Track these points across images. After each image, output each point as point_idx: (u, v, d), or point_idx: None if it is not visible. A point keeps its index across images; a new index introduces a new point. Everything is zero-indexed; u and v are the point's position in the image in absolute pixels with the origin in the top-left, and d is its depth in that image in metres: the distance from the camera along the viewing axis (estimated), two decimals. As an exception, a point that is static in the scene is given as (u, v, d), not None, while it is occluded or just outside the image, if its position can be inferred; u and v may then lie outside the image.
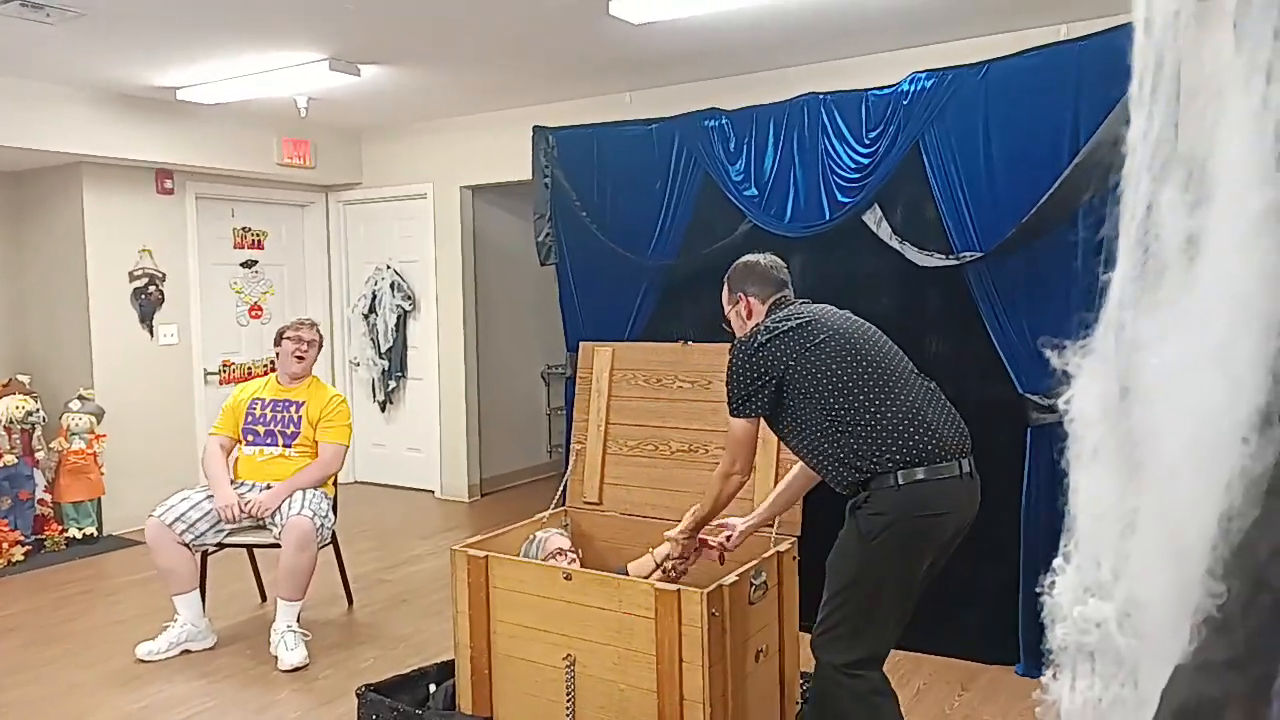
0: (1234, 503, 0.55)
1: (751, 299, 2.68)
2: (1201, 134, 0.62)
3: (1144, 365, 0.65)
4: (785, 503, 2.87)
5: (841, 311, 2.60)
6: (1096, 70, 3.16)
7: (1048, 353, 0.80)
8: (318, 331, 4.13)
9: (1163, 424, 0.61)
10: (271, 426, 3.99)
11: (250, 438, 3.99)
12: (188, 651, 3.79)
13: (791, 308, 2.59)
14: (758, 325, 2.55)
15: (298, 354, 4.03)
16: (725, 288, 2.74)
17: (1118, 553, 0.68)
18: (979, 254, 3.37)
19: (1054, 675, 0.76)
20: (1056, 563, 0.77)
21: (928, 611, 3.63)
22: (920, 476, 2.28)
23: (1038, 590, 0.79)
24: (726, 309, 2.75)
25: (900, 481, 2.28)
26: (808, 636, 2.82)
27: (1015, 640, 3.47)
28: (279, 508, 3.84)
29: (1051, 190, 3.19)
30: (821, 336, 2.45)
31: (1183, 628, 0.57)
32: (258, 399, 4.05)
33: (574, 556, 3.07)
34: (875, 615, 2.35)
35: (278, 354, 4.13)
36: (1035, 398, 3.35)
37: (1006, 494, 3.47)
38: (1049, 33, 3.88)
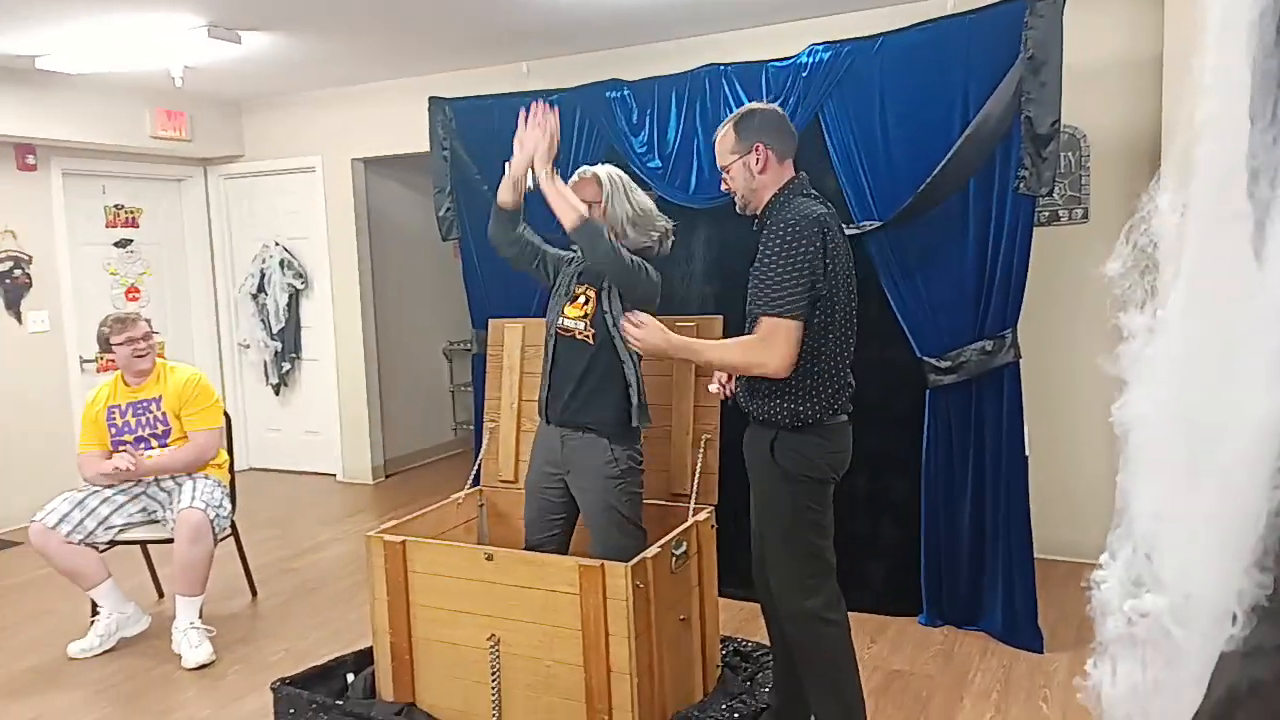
0: None
1: (771, 153, 2.37)
2: (1265, 154, 0.64)
3: (1202, 370, 0.69)
4: (726, 358, 2.43)
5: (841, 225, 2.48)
6: (984, 45, 3.28)
7: (1099, 359, 0.83)
8: (144, 322, 3.83)
9: (1219, 425, 0.65)
10: (139, 432, 3.76)
11: (125, 449, 3.73)
12: (124, 639, 3.70)
13: (820, 196, 2.41)
14: (805, 208, 2.31)
15: (137, 353, 3.74)
16: (731, 133, 2.40)
17: (1170, 548, 0.72)
18: (878, 223, 3.46)
19: (1094, 663, 0.81)
20: (1103, 558, 0.81)
21: (836, 569, 3.79)
22: (839, 420, 2.43)
23: (1084, 585, 0.83)
24: (727, 158, 2.41)
25: (826, 422, 2.38)
26: (726, 602, 2.89)
27: (918, 592, 3.63)
28: (171, 502, 3.70)
29: (945, 161, 3.30)
30: (845, 250, 2.37)
31: (1229, 618, 0.61)
32: (113, 406, 3.79)
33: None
34: (822, 550, 2.44)
35: (113, 359, 3.85)
36: (932, 360, 3.49)
37: (907, 454, 3.62)
38: (935, 6, 3.99)
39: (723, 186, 2.53)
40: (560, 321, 2.82)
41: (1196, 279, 0.72)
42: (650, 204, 2.86)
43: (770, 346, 2.27)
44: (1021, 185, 3.27)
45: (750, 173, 2.39)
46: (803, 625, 2.43)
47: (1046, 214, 4.12)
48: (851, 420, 2.48)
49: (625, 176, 2.85)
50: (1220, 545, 0.64)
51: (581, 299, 2.80)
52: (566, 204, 2.64)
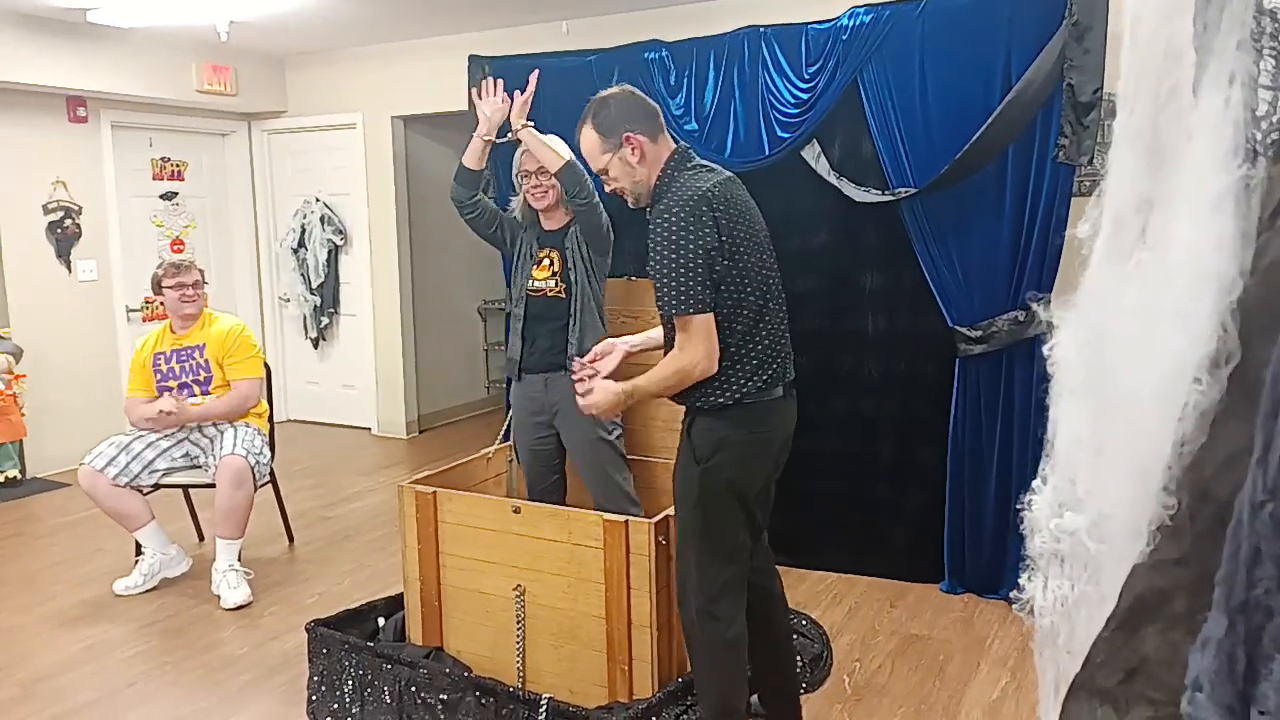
0: (1186, 431, 0.65)
1: (642, 138, 2.22)
2: (1176, 126, 0.71)
3: (1119, 316, 0.75)
4: (662, 382, 2.24)
5: (743, 189, 2.30)
6: (1028, 10, 3.22)
7: (1035, 306, 0.90)
8: (197, 269, 3.93)
9: (1133, 366, 0.72)
10: (183, 378, 3.88)
11: (168, 395, 3.85)
12: (167, 579, 3.87)
13: (708, 164, 2.27)
14: (689, 185, 2.16)
15: (184, 299, 3.84)
16: (592, 131, 2.25)
17: (1090, 474, 0.79)
18: (913, 190, 3.44)
19: (1029, 578, 0.89)
20: (1035, 483, 0.89)
21: (858, 535, 3.84)
22: (768, 397, 2.24)
23: (1018, 506, 0.90)
24: (600, 160, 2.26)
25: (749, 401, 2.21)
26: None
27: (940, 560, 3.66)
28: (213, 448, 3.82)
29: (983, 129, 3.26)
30: (748, 216, 2.23)
31: (1141, 535, 0.68)
32: (159, 353, 3.90)
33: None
34: (734, 543, 2.26)
35: (162, 303, 3.97)
36: (964, 329, 3.48)
37: (934, 421, 3.62)
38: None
39: (607, 189, 2.35)
40: (530, 284, 3.12)
41: (1114, 234, 0.78)
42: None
43: (691, 349, 2.14)
44: (1060, 154, 3.23)
45: (630, 165, 2.23)
46: (692, 620, 2.29)
47: (1089, 183, 4.06)
48: (789, 392, 2.31)
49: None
50: (1132, 471, 0.70)
51: (545, 261, 3.11)
52: (550, 150, 2.92)
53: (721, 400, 2.21)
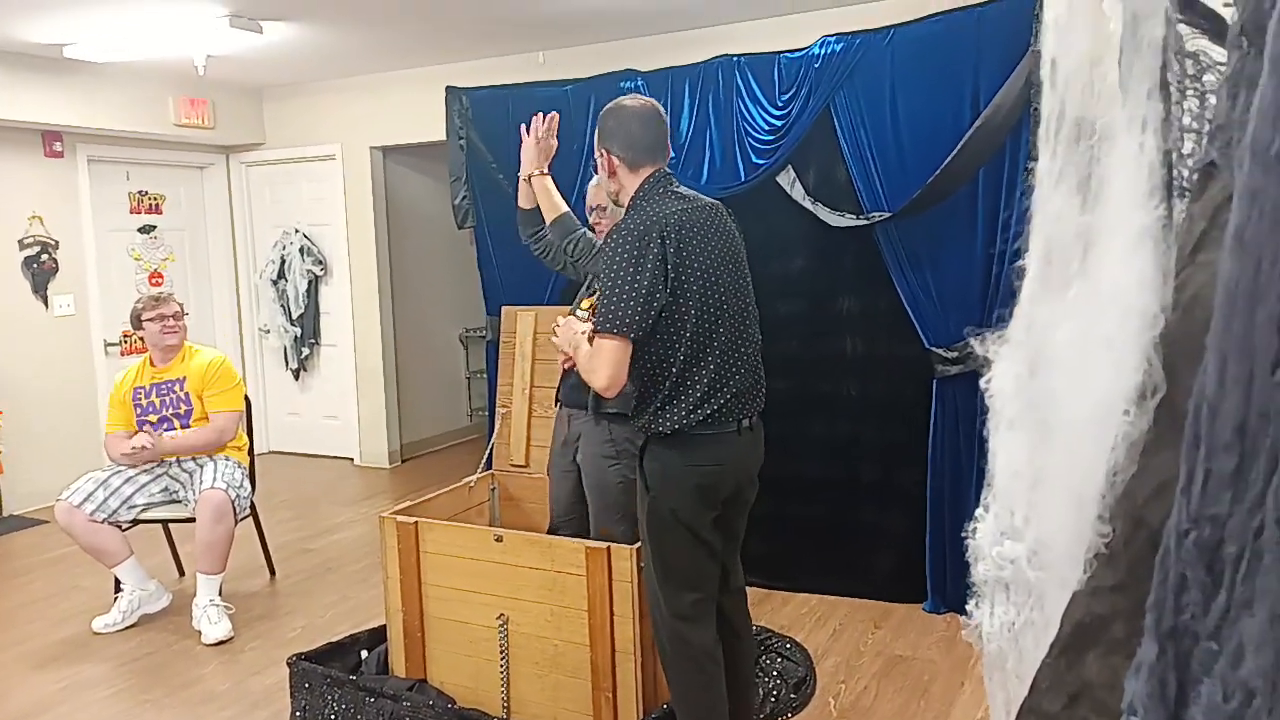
0: (1118, 461, 0.68)
1: (616, 160, 2.30)
2: (1096, 167, 0.75)
3: (1051, 351, 0.78)
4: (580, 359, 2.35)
5: (721, 217, 2.32)
6: (995, 36, 3.30)
7: (972, 341, 0.92)
8: (177, 304, 3.91)
9: (1066, 398, 0.75)
10: (163, 412, 3.85)
11: (147, 428, 3.82)
12: (146, 615, 3.81)
13: (683, 192, 2.30)
14: (648, 212, 2.20)
15: (165, 330, 3.83)
16: (597, 131, 2.37)
17: (1028, 503, 0.81)
18: (887, 214, 3.49)
19: (976, 604, 0.90)
20: (978, 512, 0.91)
21: (841, 557, 3.85)
22: (718, 430, 2.22)
23: (962, 535, 0.92)
24: (596, 152, 2.38)
25: (692, 433, 2.19)
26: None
27: (923, 580, 3.68)
28: (193, 482, 3.79)
29: (954, 153, 3.33)
30: (710, 247, 2.23)
31: (1080, 562, 0.70)
32: (139, 387, 3.87)
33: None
34: (690, 570, 2.28)
35: (142, 337, 3.96)
36: (940, 351, 3.52)
37: (914, 442, 3.65)
38: (949, -2, 4.00)
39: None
40: (575, 313, 2.93)
41: (1044, 270, 0.81)
42: None
43: (596, 364, 2.16)
44: (1030, 177, 3.28)
45: (604, 173, 2.35)
46: (663, 644, 2.32)
47: (1058, 206, 4.13)
48: (749, 427, 2.28)
49: None
50: (1068, 500, 0.73)
51: (596, 295, 2.95)
52: (549, 200, 2.88)
53: (662, 429, 2.20)
